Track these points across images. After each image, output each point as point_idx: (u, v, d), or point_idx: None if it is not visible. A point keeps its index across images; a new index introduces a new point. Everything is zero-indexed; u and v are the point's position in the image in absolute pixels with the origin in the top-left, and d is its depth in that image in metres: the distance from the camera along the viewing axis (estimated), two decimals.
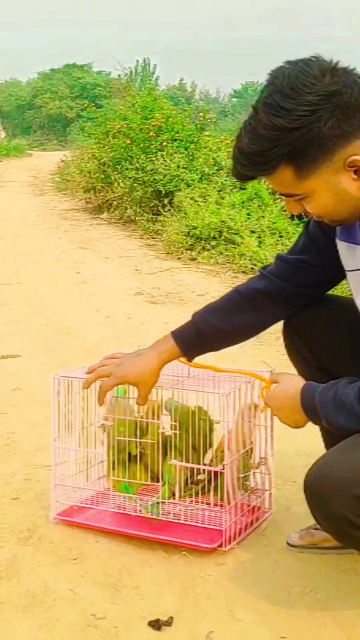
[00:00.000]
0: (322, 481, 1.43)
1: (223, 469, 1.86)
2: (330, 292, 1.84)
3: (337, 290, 1.88)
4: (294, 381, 1.63)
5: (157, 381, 1.85)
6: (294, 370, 1.83)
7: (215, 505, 1.93)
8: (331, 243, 1.60)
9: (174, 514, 1.94)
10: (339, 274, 1.61)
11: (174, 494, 1.97)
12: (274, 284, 1.78)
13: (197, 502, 1.96)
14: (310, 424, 1.61)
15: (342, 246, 1.57)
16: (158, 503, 1.95)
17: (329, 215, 1.47)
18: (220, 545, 1.83)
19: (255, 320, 1.82)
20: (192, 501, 1.96)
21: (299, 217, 1.69)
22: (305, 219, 1.68)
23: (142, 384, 1.84)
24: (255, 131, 1.37)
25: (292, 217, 6.31)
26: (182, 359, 1.92)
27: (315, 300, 1.80)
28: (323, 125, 1.33)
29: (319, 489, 1.44)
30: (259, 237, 6.19)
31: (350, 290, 1.59)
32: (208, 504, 1.95)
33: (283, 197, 1.49)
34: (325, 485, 1.42)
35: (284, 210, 6.49)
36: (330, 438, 1.72)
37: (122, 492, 2.01)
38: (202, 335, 1.83)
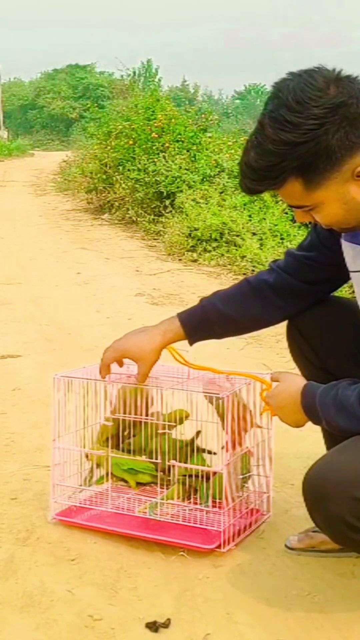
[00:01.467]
0: (321, 482, 1.43)
1: (222, 470, 1.86)
2: (334, 293, 1.84)
3: (339, 292, 1.88)
4: (295, 380, 1.63)
5: (157, 360, 1.85)
6: (294, 372, 1.83)
7: (214, 506, 1.93)
8: (338, 242, 1.61)
9: (172, 515, 1.94)
10: (345, 274, 1.62)
11: (189, 497, 1.96)
12: (281, 278, 1.79)
13: (196, 503, 1.95)
14: (310, 424, 1.61)
15: (347, 247, 1.57)
16: (156, 504, 1.95)
17: (339, 223, 1.47)
18: (219, 547, 1.83)
19: (261, 312, 1.82)
20: (190, 502, 1.96)
21: None
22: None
23: (142, 360, 1.84)
24: (262, 146, 1.37)
25: (293, 219, 6.31)
26: (180, 359, 1.92)
27: (319, 301, 1.80)
28: (331, 138, 1.33)
29: (318, 491, 1.44)
30: (260, 239, 6.19)
31: (353, 292, 1.59)
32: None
33: (292, 208, 1.49)
34: (324, 486, 1.42)
35: (286, 213, 6.50)
36: (332, 439, 1.72)
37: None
38: (207, 321, 1.83)
